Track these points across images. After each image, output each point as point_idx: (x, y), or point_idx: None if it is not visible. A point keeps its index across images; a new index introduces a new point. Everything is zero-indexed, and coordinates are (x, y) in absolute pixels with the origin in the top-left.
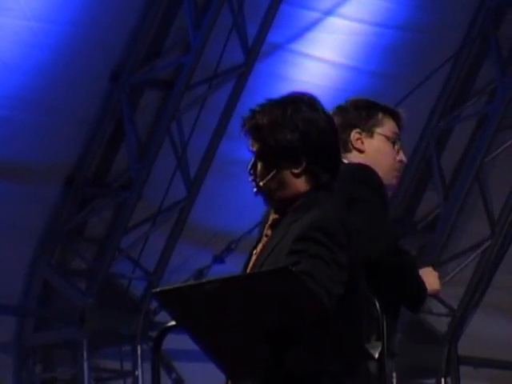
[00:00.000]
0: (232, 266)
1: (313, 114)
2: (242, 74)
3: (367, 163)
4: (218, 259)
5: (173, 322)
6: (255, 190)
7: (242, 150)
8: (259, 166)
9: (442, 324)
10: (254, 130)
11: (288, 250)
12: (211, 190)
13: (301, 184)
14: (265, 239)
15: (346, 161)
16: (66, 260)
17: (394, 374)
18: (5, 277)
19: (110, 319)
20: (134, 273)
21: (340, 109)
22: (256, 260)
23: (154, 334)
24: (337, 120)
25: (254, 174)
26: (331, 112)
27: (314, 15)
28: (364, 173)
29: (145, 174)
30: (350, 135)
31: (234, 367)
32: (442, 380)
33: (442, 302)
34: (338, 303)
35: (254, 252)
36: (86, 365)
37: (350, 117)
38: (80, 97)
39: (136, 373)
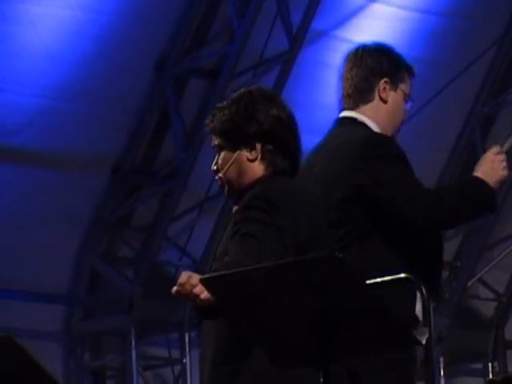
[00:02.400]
0: None
1: (266, 103)
2: (287, 61)
3: (386, 115)
4: None
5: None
6: (219, 184)
7: None
8: (220, 160)
9: (488, 309)
10: (214, 124)
11: (233, 222)
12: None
13: (258, 169)
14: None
15: (356, 115)
16: (114, 249)
17: (442, 359)
18: (53, 266)
19: (157, 307)
20: (181, 260)
21: (368, 51)
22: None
23: None
24: (363, 62)
25: (217, 170)
26: (353, 51)
27: (357, 2)
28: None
29: (191, 162)
30: (378, 83)
31: (282, 355)
32: (489, 364)
33: (489, 286)
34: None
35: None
36: (134, 353)
37: (382, 63)
38: (125, 87)
39: (184, 360)
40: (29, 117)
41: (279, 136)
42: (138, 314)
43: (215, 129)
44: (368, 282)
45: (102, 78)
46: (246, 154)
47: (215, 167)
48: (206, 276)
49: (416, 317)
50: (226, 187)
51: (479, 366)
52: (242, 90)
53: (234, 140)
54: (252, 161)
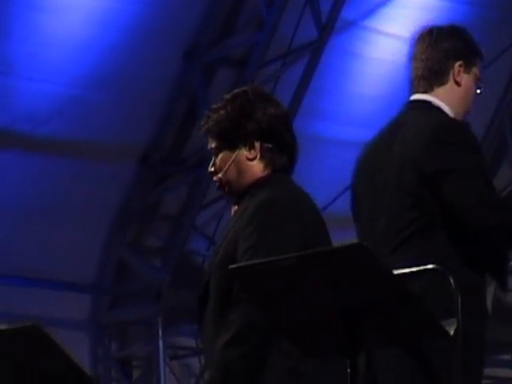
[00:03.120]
0: None
1: (262, 102)
2: (316, 50)
3: (459, 98)
4: None
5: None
6: (217, 185)
7: (316, 126)
8: (218, 161)
9: None
10: (210, 126)
11: (242, 233)
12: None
13: (257, 168)
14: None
15: (431, 98)
16: (141, 238)
17: None
18: (81, 255)
19: (185, 296)
20: (209, 250)
21: (443, 33)
22: (213, 255)
23: None
24: (439, 44)
25: (215, 172)
26: (427, 32)
27: None
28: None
29: None
30: (453, 65)
31: (310, 344)
32: None
33: None
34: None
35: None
36: (161, 342)
37: (457, 46)
38: (154, 76)
39: None
40: (57, 106)
41: (277, 134)
42: (166, 304)
43: (211, 130)
44: (396, 272)
45: (131, 67)
46: (245, 153)
47: (213, 169)
48: (235, 266)
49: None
50: (226, 188)
51: (508, 357)
52: (236, 90)
53: (232, 139)
54: (251, 160)
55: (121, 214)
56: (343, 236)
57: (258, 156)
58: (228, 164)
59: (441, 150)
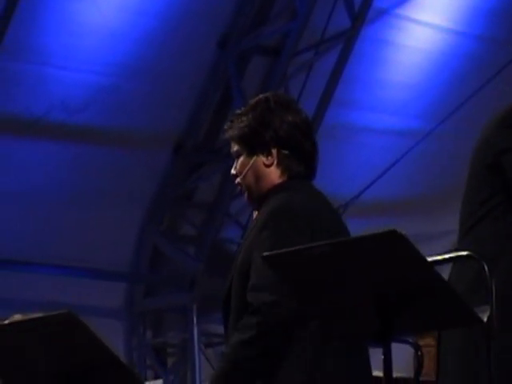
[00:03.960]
0: None
1: (282, 109)
2: (349, 39)
3: None
4: None
5: None
6: (239, 189)
7: (349, 114)
8: (238, 165)
9: None
10: (231, 129)
11: (256, 241)
12: (319, 155)
13: (274, 174)
14: None
15: None
16: (176, 226)
17: None
18: (115, 244)
19: (219, 284)
20: (243, 238)
21: None
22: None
23: None
24: None
25: (236, 175)
26: None
27: None
28: None
29: None
30: None
31: (343, 330)
32: None
33: None
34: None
35: None
36: (195, 330)
37: None
38: (187, 64)
39: None
40: (91, 94)
41: (294, 141)
42: (200, 291)
43: (233, 135)
44: (429, 258)
45: (165, 55)
46: (262, 159)
47: (234, 172)
48: (269, 253)
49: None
50: (246, 193)
51: None
52: (260, 96)
53: (251, 146)
54: (268, 166)
55: (155, 203)
56: (377, 223)
57: (275, 162)
58: (246, 169)
59: (507, 132)
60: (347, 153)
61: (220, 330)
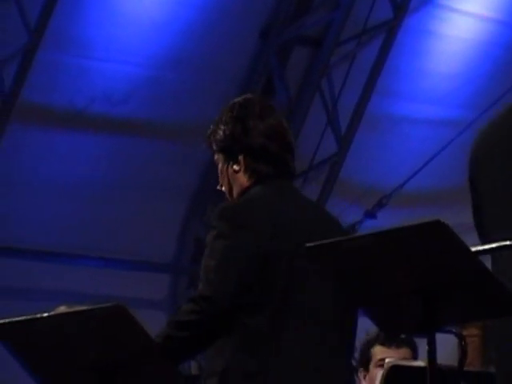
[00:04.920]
0: (384, 221)
1: (244, 116)
2: (391, 29)
3: None
4: (370, 214)
5: None
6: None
7: (391, 105)
8: (219, 172)
9: None
10: (207, 142)
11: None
12: (362, 146)
13: (243, 180)
14: None
15: None
16: None
17: None
18: (159, 236)
19: None
20: None
21: None
22: None
23: None
24: None
25: (220, 186)
26: None
27: None
28: None
29: (295, 130)
30: None
31: (388, 322)
32: None
33: None
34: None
35: None
36: None
37: None
38: (229, 55)
39: None
40: (133, 87)
41: (258, 145)
42: None
43: (210, 145)
44: (473, 248)
45: (207, 46)
46: (233, 166)
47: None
48: (312, 244)
49: None
50: (229, 199)
51: None
52: (231, 102)
53: (222, 154)
54: (237, 172)
55: (198, 194)
56: (420, 213)
57: (243, 168)
58: (221, 177)
59: None
60: (390, 143)
61: None
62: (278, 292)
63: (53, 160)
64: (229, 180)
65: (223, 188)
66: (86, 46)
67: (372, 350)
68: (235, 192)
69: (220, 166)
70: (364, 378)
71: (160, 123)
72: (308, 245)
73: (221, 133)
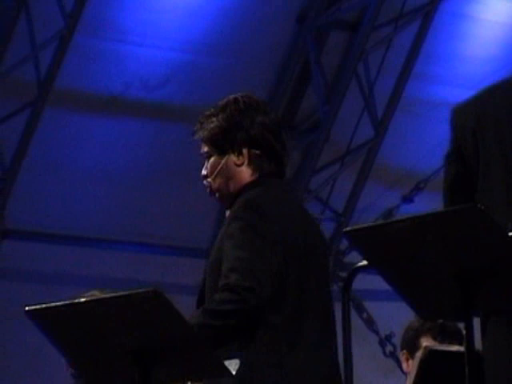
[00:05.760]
0: (421, 206)
1: (252, 110)
2: (428, 13)
3: None
4: (407, 199)
5: (363, 262)
6: (208, 191)
7: (428, 89)
8: (209, 165)
9: None
10: (200, 130)
11: (225, 233)
12: (399, 130)
13: (246, 174)
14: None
15: None
16: None
17: None
18: (196, 221)
19: None
20: (323, 214)
21: None
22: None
23: (344, 274)
24: None
25: (204, 177)
26: None
27: None
28: None
29: (332, 115)
30: None
31: (426, 307)
32: None
33: None
34: None
35: None
36: None
37: None
38: (266, 40)
39: None
40: (170, 72)
41: (265, 141)
42: None
43: (204, 136)
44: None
45: (243, 31)
46: (233, 159)
47: (204, 172)
48: (350, 228)
49: None
50: (217, 194)
51: None
52: (229, 97)
53: (221, 146)
54: (239, 165)
55: None
56: None
57: (246, 162)
58: (217, 169)
59: None
60: (426, 127)
61: None
62: (295, 286)
63: (88, 145)
64: (225, 173)
65: (212, 180)
66: (122, 31)
67: (421, 340)
68: (233, 186)
69: (214, 159)
70: (407, 360)
71: (196, 108)
72: (345, 230)
73: (224, 124)
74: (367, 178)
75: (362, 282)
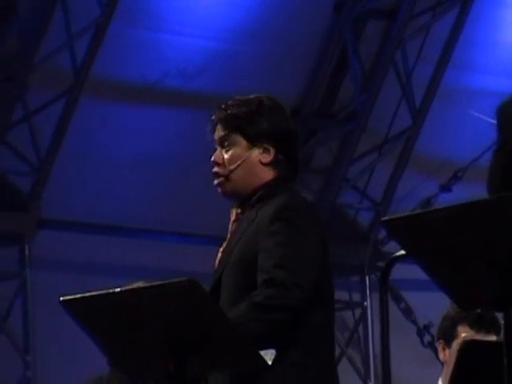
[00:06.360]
0: (459, 195)
1: (277, 110)
2: (466, 1)
3: None
4: (445, 188)
5: (401, 252)
6: (217, 181)
7: (467, 77)
8: (227, 154)
9: None
10: (231, 118)
11: (264, 231)
12: (437, 119)
13: (267, 174)
14: (229, 236)
15: None
16: None
17: None
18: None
19: (337, 250)
20: (361, 203)
21: None
22: (221, 257)
23: (381, 264)
24: None
25: (217, 164)
26: None
27: None
28: None
29: (370, 104)
30: None
31: (464, 296)
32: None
33: None
34: None
35: (221, 250)
36: None
37: None
38: (304, 28)
39: (365, 303)
40: (207, 60)
41: (290, 146)
42: None
43: (227, 120)
44: None
45: (280, 19)
46: (258, 155)
47: (217, 159)
48: (388, 218)
49: None
50: (230, 185)
51: None
52: (258, 95)
53: (252, 138)
54: (264, 164)
55: None
56: None
57: (270, 161)
58: (239, 162)
59: None
60: (465, 116)
61: (339, 295)
62: (329, 289)
63: (124, 134)
64: (248, 167)
65: (227, 170)
66: (159, 19)
67: (458, 329)
68: (251, 182)
69: (236, 150)
70: (443, 350)
71: (233, 96)
72: (383, 219)
73: (251, 113)
74: (405, 167)
75: (400, 272)
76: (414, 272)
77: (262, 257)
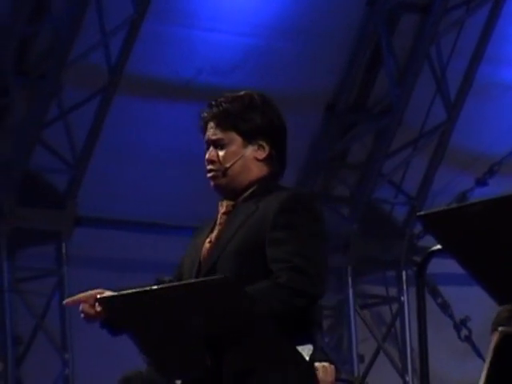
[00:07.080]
0: (495, 189)
1: (270, 106)
2: None
3: None
4: (481, 182)
5: (437, 246)
6: (213, 177)
7: (501, 72)
8: (222, 152)
9: None
10: (223, 115)
11: (271, 222)
12: (472, 113)
13: (261, 170)
14: (219, 227)
15: None
16: (329, 187)
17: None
18: None
19: (373, 245)
20: (397, 198)
21: None
22: (213, 246)
23: (418, 258)
24: None
25: (212, 162)
26: None
27: None
28: None
29: (404, 98)
30: None
31: (501, 291)
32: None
33: None
34: None
35: (208, 241)
36: (350, 291)
37: None
38: (337, 22)
39: (401, 298)
40: (241, 56)
41: (283, 144)
42: (355, 253)
43: (221, 116)
44: None
45: (314, 14)
46: (253, 152)
47: (214, 158)
48: (423, 212)
49: None
50: (225, 181)
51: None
52: (248, 91)
53: (243, 134)
54: (259, 160)
55: (308, 164)
56: None
57: (265, 158)
58: (235, 159)
59: None
60: (500, 110)
61: (375, 290)
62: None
63: (159, 131)
64: (243, 163)
65: (223, 168)
66: (192, 16)
67: None
68: (245, 178)
69: (235, 147)
70: None
71: (268, 92)
72: (418, 214)
73: (256, 116)
74: (440, 161)
75: (436, 266)
76: (451, 266)
77: (277, 247)
